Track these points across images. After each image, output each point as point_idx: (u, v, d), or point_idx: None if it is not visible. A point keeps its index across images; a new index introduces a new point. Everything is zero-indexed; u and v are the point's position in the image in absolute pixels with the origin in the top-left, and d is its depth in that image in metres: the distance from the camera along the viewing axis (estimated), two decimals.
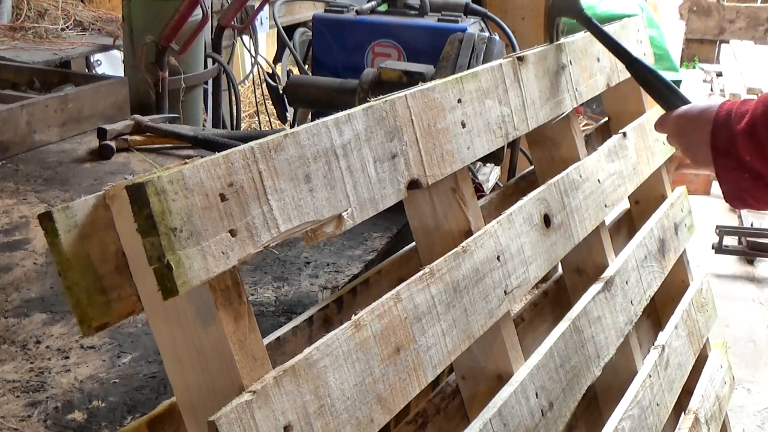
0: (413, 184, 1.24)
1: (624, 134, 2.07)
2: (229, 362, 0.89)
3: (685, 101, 1.54)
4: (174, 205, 0.83)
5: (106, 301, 0.82)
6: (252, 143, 0.95)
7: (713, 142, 1.37)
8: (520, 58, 1.61)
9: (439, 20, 2.62)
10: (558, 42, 1.79)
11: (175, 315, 0.88)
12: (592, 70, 1.94)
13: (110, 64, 4.06)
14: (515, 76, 1.57)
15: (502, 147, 1.59)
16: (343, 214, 1.07)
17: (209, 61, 3.35)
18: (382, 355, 1.09)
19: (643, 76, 1.67)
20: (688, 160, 1.49)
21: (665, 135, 1.57)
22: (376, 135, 1.16)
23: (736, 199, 1.39)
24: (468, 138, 1.39)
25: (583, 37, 1.93)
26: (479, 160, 1.50)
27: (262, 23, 4.16)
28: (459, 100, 1.37)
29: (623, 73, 2.13)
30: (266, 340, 1.13)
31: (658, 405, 1.86)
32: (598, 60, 1.98)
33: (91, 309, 0.81)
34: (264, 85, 3.74)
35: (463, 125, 1.38)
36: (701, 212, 5.27)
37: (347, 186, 1.09)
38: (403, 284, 1.18)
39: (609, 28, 2.05)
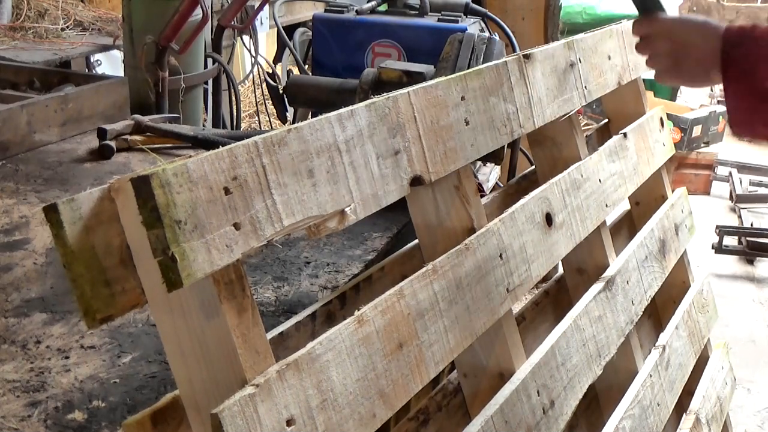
0: (416, 181, 1.24)
1: (624, 135, 2.07)
2: (233, 355, 0.89)
3: (664, 10, 1.46)
4: (178, 197, 0.83)
5: (111, 293, 0.82)
6: (256, 137, 0.95)
7: (725, 63, 1.31)
8: (527, 56, 1.61)
9: (439, 20, 2.62)
10: (567, 39, 1.80)
11: (179, 308, 0.88)
12: (602, 68, 1.94)
13: (110, 64, 4.05)
14: (521, 74, 1.57)
15: (503, 146, 1.59)
16: (346, 209, 1.07)
17: (209, 61, 3.35)
18: (385, 351, 1.09)
19: None
20: (671, 71, 1.42)
21: (642, 43, 1.46)
22: (378, 131, 1.16)
23: (745, 124, 1.35)
24: (471, 135, 1.39)
25: (594, 35, 1.93)
26: (480, 159, 1.50)
27: (262, 23, 4.16)
28: (462, 98, 1.37)
29: (635, 72, 2.13)
30: (269, 335, 1.12)
31: (658, 405, 1.86)
32: (609, 58, 1.98)
33: (96, 301, 0.81)
34: (264, 85, 3.74)
35: (467, 122, 1.38)
36: (701, 212, 5.27)
37: (350, 181, 1.09)
38: (406, 280, 1.18)
39: (613, 27, 2.06)
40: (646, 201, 2.30)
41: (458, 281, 1.28)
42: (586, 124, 5.86)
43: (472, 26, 2.69)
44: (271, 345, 0.97)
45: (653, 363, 1.90)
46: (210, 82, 3.46)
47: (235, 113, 3.57)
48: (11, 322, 1.53)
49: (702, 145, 6.05)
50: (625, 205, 2.28)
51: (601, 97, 2.12)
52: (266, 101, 4.46)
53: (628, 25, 2.11)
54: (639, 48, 1.47)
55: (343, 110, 1.11)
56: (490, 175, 2.53)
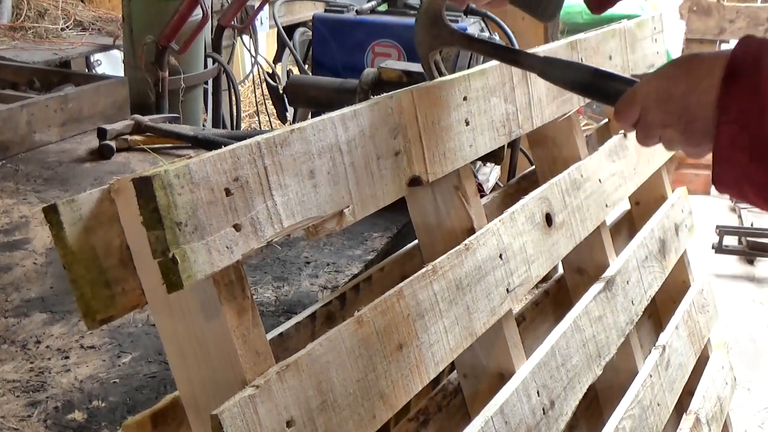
0: (414, 181, 1.24)
1: (624, 134, 2.07)
2: (233, 356, 0.89)
3: (634, 82, 1.14)
4: (180, 199, 0.83)
5: (111, 294, 0.82)
6: (258, 138, 0.95)
7: (722, 99, 0.95)
8: None
9: None
10: (570, 39, 1.79)
11: (179, 309, 0.88)
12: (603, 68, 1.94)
13: (110, 64, 4.06)
14: (523, 74, 1.56)
15: (503, 146, 1.59)
16: (344, 210, 1.07)
17: (209, 61, 3.36)
18: (385, 352, 1.09)
19: (564, 74, 1.25)
20: (688, 142, 1.05)
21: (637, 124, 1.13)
22: (380, 131, 1.16)
23: (732, 183, 1.01)
24: (471, 136, 1.38)
25: (596, 34, 1.93)
26: (480, 159, 1.50)
27: (262, 23, 4.17)
28: (465, 98, 1.37)
29: (637, 71, 2.12)
30: (269, 336, 1.12)
31: (658, 405, 1.86)
32: (610, 58, 1.98)
33: (96, 302, 0.81)
34: (264, 85, 3.75)
35: (467, 123, 1.38)
36: (701, 212, 5.26)
37: (350, 182, 1.09)
38: (406, 281, 1.18)
39: (616, 26, 2.05)
40: (646, 201, 2.30)
41: (458, 282, 1.28)
42: (586, 124, 5.85)
43: (472, 26, 2.69)
44: (271, 346, 0.97)
45: (653, 363, 1.89)
46: (210, 82, 3.47)
47: (235, 113, 3.57)
48: (11, 322, 1.53)
49: None
50: (625, 205, 2.28)
51: None
52: (266, 101, 4.46)
53: (629, 24, 2.11)
54: (640, 139, 1.14)
55: (346, 110, 1.11)
56: (490, 175, 2.53)
